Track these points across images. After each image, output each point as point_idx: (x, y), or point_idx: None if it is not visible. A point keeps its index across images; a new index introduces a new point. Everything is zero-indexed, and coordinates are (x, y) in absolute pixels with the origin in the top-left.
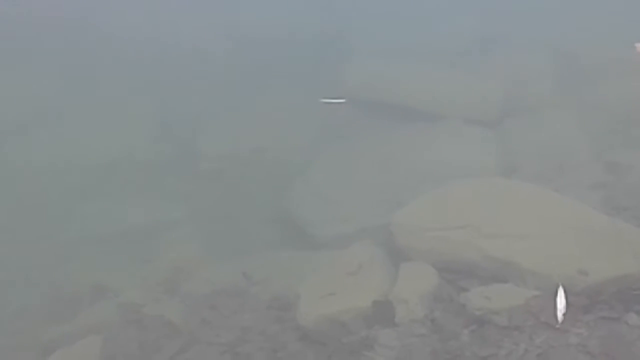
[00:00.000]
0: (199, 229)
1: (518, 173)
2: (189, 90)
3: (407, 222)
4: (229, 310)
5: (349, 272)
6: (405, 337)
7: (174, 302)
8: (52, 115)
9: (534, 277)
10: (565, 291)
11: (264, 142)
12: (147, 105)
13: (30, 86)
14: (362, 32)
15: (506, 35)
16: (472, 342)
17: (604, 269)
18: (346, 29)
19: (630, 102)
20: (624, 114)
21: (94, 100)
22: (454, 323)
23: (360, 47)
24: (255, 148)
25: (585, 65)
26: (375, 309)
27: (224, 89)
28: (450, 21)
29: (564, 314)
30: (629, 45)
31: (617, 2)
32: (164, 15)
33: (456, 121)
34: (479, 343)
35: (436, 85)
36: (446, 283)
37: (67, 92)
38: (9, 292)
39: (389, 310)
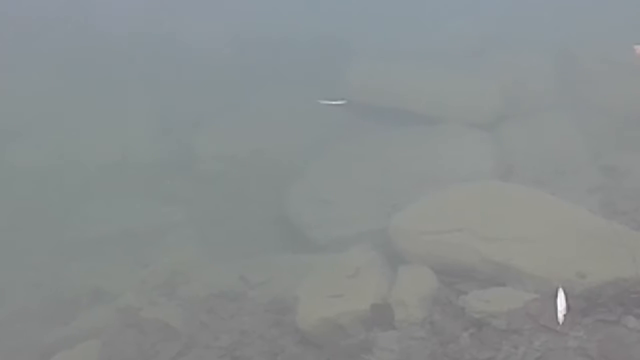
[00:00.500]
0: (197, 231)
1: (516, 176)
2: (188, 91)
3: (406, 225)
4: (228, 313)
5: (347, 275)
6: (404, 340)
7: (172, 306)
8: (50, 117)
9: (533, 280)
10: (565, 292)
11: (263, 144)
12: (146, 107)
13: (28, 88)
14: (362, 34)
15: (505, 38)
16: (471, 345)
17: (602, 272)
18: (346, 31)
19: (629, 105)
20: (622, 116)
21: (93, 102)
22: (452, 326)
23: (360, 49)
24: (254, 150)
25: (584, 67)
26: (374, 312)
27: (223, 91)
28: (449, 23)
29: (565, 315)
30: (628, 47)
31: (615, 4)
32: (163, 16)
33: (454, 124)
34: (478, 346)
35: (435, 88)
36: (445, 286)
37: (66, 94)
38: (8, 295)
39: (388, 313)
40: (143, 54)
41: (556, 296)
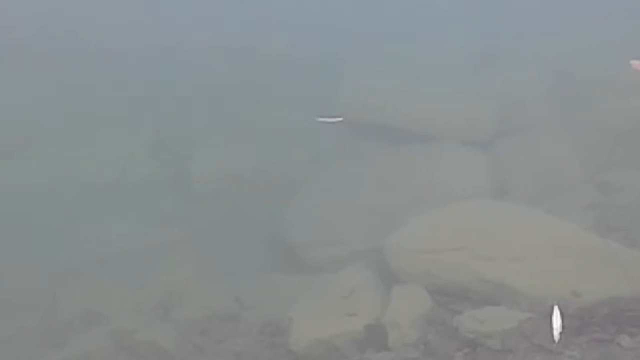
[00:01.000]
0: (192, 252)
1: (511, 195)
2: (182, 109)
3: (400, 245)
4: (222, 335)
5: (342, 296)
6: None
7: (166, 328)
8: (43, 135)
9: (527, 300)
10: (561, 310)
11: (258, 164)
12: (141, 125)
13: (20, 105)
14: (357, 51)
15: (500, 55)
16: None
17: (597, 291)
18: (341, 48)
19: (623, 122)
20: (617, 133)
21: (87, 119)
22: (447, 346)
23: (355, 67)
24: (249, 169)
25: (579, 85)
26: (368, 333)
27: (219, 109)
28: (445, 41)
29: (561, 333)
30: (625, 63)
31: (612, 20)
32: (157, 31)
33: (450, 142)
34: None
35: (430, 106)
36: (439, 306)
37: (59, 111)
38: (0, 317)
39: (382, 334)
40: (137, 71)
41: (552, 314)
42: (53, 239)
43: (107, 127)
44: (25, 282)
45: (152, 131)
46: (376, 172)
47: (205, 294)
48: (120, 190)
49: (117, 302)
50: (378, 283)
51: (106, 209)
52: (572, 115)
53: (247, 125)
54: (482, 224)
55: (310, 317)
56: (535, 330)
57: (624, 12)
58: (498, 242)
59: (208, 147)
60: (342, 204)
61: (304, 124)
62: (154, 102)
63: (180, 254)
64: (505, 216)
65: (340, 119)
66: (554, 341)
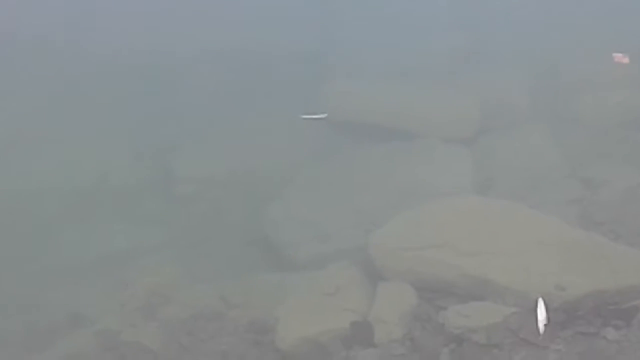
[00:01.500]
0: (176, 253)
1: (494, 190)
2: (164, 111)
3: (385, 242)
4: (207, 334)
5: (327, 294)
6: (384, 357)
7: (151, 328)
8: (25, 141)
9: (512, 294)
10: (545, 303)
11: (240, 164)
12: (121, 129)
13: (4, 110)
14: (339, 50)
15: (482, 52)
16: None
17: (581, 284)
18: (323, 47)
19: (605, 117)
20: (599, 128)
21: (68, 124)
22: (433, 342)
23: (337, 66)
24: (231, 170)
25: (563, 79)
26: (354, 330)
27: (199, 110)
28: (427, 39)
29: (546, 325)
30: (607, 57)
31: (595, 15)
32: (139, 34)
33: (433, 140)
34: None
35: (412, 104)
36: (424, 302)
37: (41, 116)
38: None
39: (368, 331)
40: (119, 74)
41: (536, 307)
42: (37, 242)
43: (89, 131)
44: (9, 284)
45: (134, 134)
46: (359, 170)
47: (190, 293)
48: (104, 193)
49: (102, 304)
50: (363, 280)
51: (89, 211)
52: (555, 111)
53: (229, 126)
54: (466, 220)
55: (295, 315)
56: (521, 324)
57: (607, 7)
58: (482, 238)
59: (190, 148)
60: (325, 202)
61: (287, 123)
62: (136, 105)
63: (165, 254)
64: (489, 212)
65: (325, 115)
66: (539, 333)
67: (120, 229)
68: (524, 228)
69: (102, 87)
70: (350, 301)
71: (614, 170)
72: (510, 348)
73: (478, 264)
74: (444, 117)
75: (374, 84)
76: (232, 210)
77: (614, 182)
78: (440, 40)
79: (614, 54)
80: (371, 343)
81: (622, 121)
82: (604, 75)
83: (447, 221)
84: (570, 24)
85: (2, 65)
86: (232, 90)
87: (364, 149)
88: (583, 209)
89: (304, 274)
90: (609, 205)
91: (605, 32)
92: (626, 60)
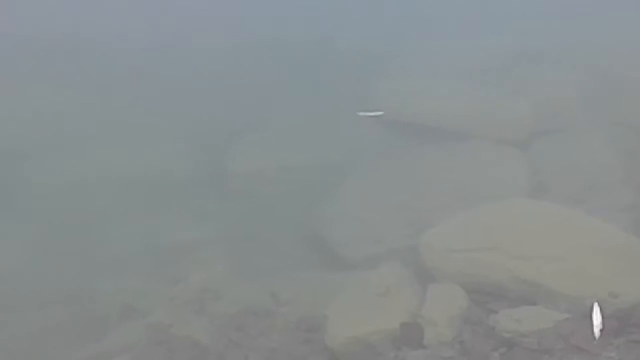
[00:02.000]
0: (227, 248)
1: (548, 194)
2: (217, 106)
3: (436, 243)
4: (257, 331)
5: (377, 294)
6: (433, 359)
7: (202, 323)
8: (79, 134)
9: (564, 300)
10: (601, 307)
11: (293, 161)
12: (175, 124)
13: (56, 105)
14: (393, 50)
15: (537, 53)
16: None
17: (635, 292)
18: (377, 47)
19: None
20: None
21: (121, 119)
22: (483, 345)
23: (391, 65)
24: (284, 166)
25: (618, 82)
26: (404, 331)
27: (254, 105)
28: (480, 40)
29: (601, 330)
30: None
31: None
32: (190, 30)
33: (486, 141)
34: None
35: (466, 105)
36: (475, 305)
37: (95, 110)
38: (39, 311)
39: (418, 332)
40: (170, 69)
41: (592, 312)
42: (90, 235)
43: (142, 125)
44: (63, 276)
45: (187, 129)
46: (412, 170)
47: (241, 289)
48: (157, 188)
49: (154, 297)
50: (413, 281)
51: (142, 205)
52: (610, 114)
53: (284, 121)
54: (518, 223)
55: (345, 314)
56: (573, 330)
57: None
58: (534, 242)
59: (244, 143)
60: (378, 201)
61: (341, 120)
62: (188, 100)
63: (216, 249)
64: (541, 216)
65: (381, 112)
66: (594, 338)
67: (172, 223)
68: (577, 233)
69: (154, 82)
70: (401, 302)
71: None
72: (562, 354)
73: (530, 267)
74: (497, 119)
75: (427, 84)
76: (284, 206)
77: None
78: (495, 41)
79: None
80: (420, 344)
81: None
82: None
83: (499, 224)
84: (627, 27)
85: (52, 62)
86: (287, 85)
87: (418, 148)
88: (638, 215)
89: (355, 273)
90: None
91: None
92: None
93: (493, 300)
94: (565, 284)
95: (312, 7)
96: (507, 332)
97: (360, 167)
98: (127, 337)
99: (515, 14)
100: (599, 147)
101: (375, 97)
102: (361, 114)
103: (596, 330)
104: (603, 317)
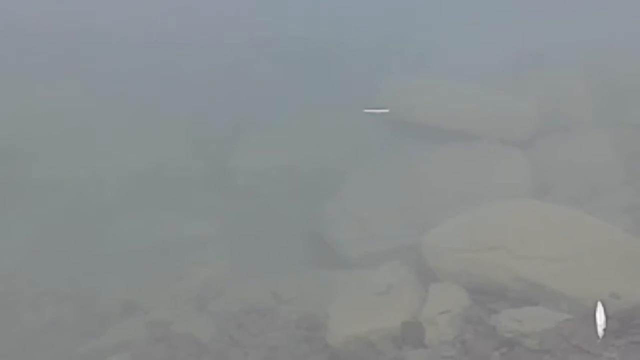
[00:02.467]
0: (229, 246)
1: (551, 195)
2: (222, 105)
3: (438, 243)
4: (258, 329)
5: (379, 293)
6: (434, 358)
7: (203, 320)
8: (83, 132)
9: (566, 300)
10: (604, 307)
11: (297, 159)
12: (179, 122)
13: (60, 103)
14: (398, 50)
15: (542, 54)
16: None
17: (637, 293)
18: (381, 47)
19: None
20: None
21: (126, 116)
22: (484, 345)
23: (395, 65)
24: (287, 165)
25: (623, 84)
26: (405, 330)
27: (258, 103)
28: (485, 41)
29: (605, 329)
30: None
31: None
32: (197, 26)
33: (489, 141)
34: None
35: (470, 105)
36: (476, 305)
37: (100, 107)
38: (41, 307)
39: (419, 332)
40: (175, 69)
41: (595, 311)
42: (93, 231)
43: (146, 123)
44: (65, 272)
45: (192, 127)
46: (415, 169)
47: (243, 287)
48: (161, 185)
49: (155, 294)
50: (415, 280)
51: (146, 203)
52: (614, 116)
53: (288, 121)
54: (521, 223)
55: (347, 312)
56: (574, 331)
57: None
58: (537, 242)
59: (248, 141)
60: (380, 200)
61: (344, 120)
62: (193, 99)
63: (218, 247)
64: (544, 216)
65: (387, 110)
66: (597, 338)
67: (175, 220)
68: (580, 234)
69: (160, 80)
70: (402, 301)
71: None
72: (563, 355)
73: (532, 268)
74: (501, 119)
75: (432, 84)
76: (287, 205)
77: None
78: (499, 42)
79: None
80: (422, 344)
81: None
82: None
83: (502, 224)
84: (632, 28)
85: (59, 60)
86: (292, 84)
87: (421, 148)
88: None
89: (356, 272)
90: None
91: None
92: None
93: (494, 300)
94: (567, 284)
95: (317, 6)
96: (509, 332)
97: (363, 166)
98: (128, 334)
99: (520, 15)
100: (602, 149)
101: (379, 97)
102: (367, 110)
103: (600, 330)
104: (607, 317)
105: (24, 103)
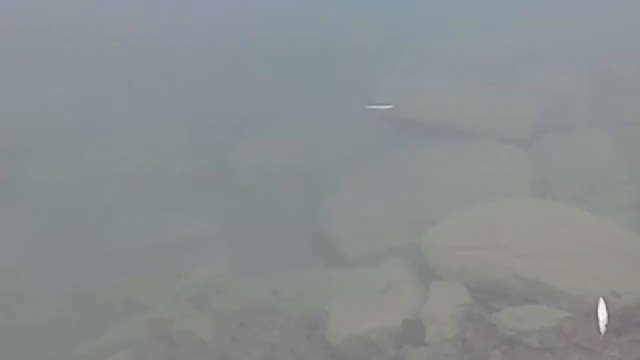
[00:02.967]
0: (230, 244)
1: (551, 192)
2: (221, 103)
3: (438, 241)
4: (259, 327)
5: (379, 291)
6: (435, 357)
7: (204, 319)
8: (82, 130)
9: (567, 299)
10: (606, 303)
11: (296, 158)
12: (179, 120)
13: (59, 101)
14: (396, 47)
15: (541, 52)
16: None
17: (638, 291)
18: (380, 44)
19: None
20: None
21: (126, 114)
22: (484, 344)
23: (394, 63)
24: (287, 164)
25: (622, 81)
26: (405, 328)
27: (256, 102)
28: (484, 37)
29: (607, 325)
30: None
31: None
32: (195, 26)
33: (489, 139)
34: None
35: (470, 103)
36: (477, 303)
37: (99, 105)
38: (40, 306)
39: (419, 330)
40: (174, 66)
41: (597, 307)
42: (93, 230)
43: (145, 121)
44: (65, 271)
45: (191, 125)
46: (416, 167)
47: (243, 285)
48: (160, 183)
49: (156, 293)
50: (415, 278)
51: (146, 201)
52: (613, 114)
53: (285, 120)
54: (521, 221)
55: (347, 311)
56: (575, 329)
57: None
58: (537, 240)
59: (248, 140)
60: (381, 198)
61: (344, 118)
62: (192, 97)
63: (218, 245)
64: (545, 214)
65: (391, 106)
66: (600, 334)
67: (175, 218)
68: (580, 232)
69: (159, 78)
70: (402, 299)
71: None
72: (563, 353)
73: (533, 266)
74: (500, 117)
75: (430, 81)
76: (286, 202)
77: None
78: (499, 39)
79: None
80: (422, 342)
81: None
82: None
83: (502, 222)
84: (632, 26)
85: (57, 58)
86: (291, 81)
87: (421, 146)
88: None
89: (356, 270)
90: None
91: None
92: None
93: (495, 298)
94: (567, 282)
95: (317, 5)
96: (509, 330)
97: (363, 164)
98: (128, 332)
99: (520, 12)
100: (603, 146)
101: (379, 95)
102: (370, 107)
103: (602, 326)
104: (609, 313)
105: (23, 102)
